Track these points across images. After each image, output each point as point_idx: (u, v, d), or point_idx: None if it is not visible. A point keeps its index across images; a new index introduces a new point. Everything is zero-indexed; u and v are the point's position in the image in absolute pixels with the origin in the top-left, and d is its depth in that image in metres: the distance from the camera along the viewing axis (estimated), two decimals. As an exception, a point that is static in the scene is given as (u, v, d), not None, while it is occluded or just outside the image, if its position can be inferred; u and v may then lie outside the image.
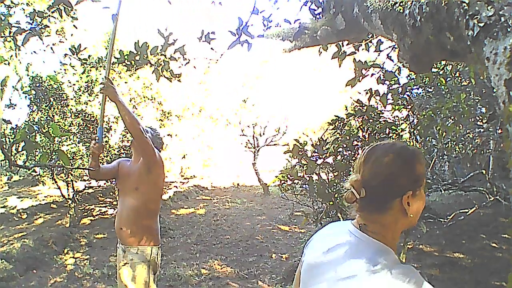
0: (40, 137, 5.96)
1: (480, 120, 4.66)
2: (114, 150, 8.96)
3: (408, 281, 0.99)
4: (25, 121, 8.66)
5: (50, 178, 9.62)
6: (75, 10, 3.25)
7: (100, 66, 7.62)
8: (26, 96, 8.61)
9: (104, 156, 8.70)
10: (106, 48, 9.47)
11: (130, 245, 2.99)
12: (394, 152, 1.12)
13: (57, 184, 8.80)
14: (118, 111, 2.81)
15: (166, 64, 3.24)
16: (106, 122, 9.18)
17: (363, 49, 3.50)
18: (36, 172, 9.88)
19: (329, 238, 1.20)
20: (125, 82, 9.90)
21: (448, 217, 5.27)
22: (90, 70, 8.91)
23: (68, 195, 9.01)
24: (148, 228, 3.01)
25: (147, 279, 2.95)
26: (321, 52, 3.32)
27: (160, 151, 3.20)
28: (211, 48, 3.35)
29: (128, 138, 9.17)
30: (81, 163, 9.02)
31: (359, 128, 3.79)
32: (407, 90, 4.17)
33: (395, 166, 1.10)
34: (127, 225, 2.99)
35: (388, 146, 1.15)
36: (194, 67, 3.60)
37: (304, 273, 1.23)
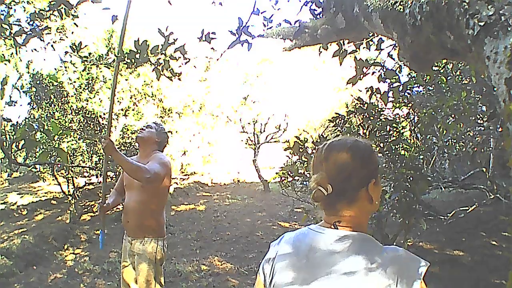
0: (40, 135, 5.97)
1: (480, 119, 4.67)
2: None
3: (400, 281, 1.03)
4: (25, 118, 8.67)
5: (50, 175, 9.64)
6: (76, 8, 3.25)
7: (101, 64, 7.60)
8: (26, 94, 8.61)
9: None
10: (106, 46, 9.46)
11: (136, 237, 3.08)
12: (350, 147, 1.20)
13: (57, 180, 8.82)
14: (119, 164, 3.01)
15: (166, 63, 3.24)
16: (107, 119, 9.15)
17: (364, 47, 3.49)
18: (36, 168, 9.89)
19: (303, 253, 1.19)
20: (126, 80, 9.90)
21: (448, 214, 5.29)
22: (91, 68, 8.90)
23: (68, 191, 9.03)
24: (153, 221, 3.12)
25: (150, 277, 3.01)
26: (321, 52, 3.32)
27: (165, 146, 3.34)
28: (212, 48, 3.35)
29: (128, 134, 9.17)
30: (81, 160, 9.03)
31: (359, 126, 3.79)
32: (408, 88, 4.17)
33: (355, 160, 1.17)
34: (133, 218, 3.08)
35: (343, 142, 1.22)
36: (195, 66, 3.60)
37: None
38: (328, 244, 1.15)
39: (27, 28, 3.07)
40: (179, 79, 3.39)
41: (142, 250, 3.04)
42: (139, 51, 3.00)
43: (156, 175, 2.97)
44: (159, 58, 3.19)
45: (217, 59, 3.43)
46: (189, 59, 3.35)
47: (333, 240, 1.15)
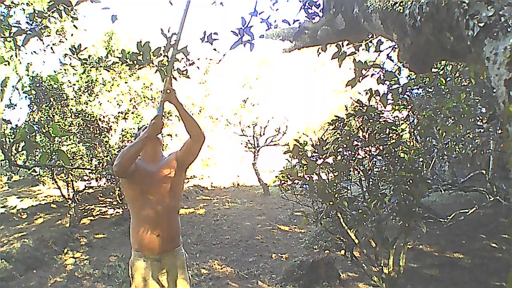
0: (40, 137, 5.95)
1: (480, 120, 4.67)
2: (114, 150, 8.95)
3: None
4: (25, 121, 8.68)
5: (50, 178, 9.64)
6: (75, 10, 3.25)
7: (100, 66, 7.60)
8: (26, 96, 8.62)
9: (104, 156, 8.70)
10: (106, 48, 9.47)
11: (168, 250, 2.77)
12: None
13: (57, 184, 8.82)
14: (179, 114, 2.83)
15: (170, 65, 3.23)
16: (106, 122, 9.17)
17: (363, 49, 3.49)
18: (36, 172, 9.89)
19: None
20: (125, 82, 9.90)
21: (448, 217, 5.28)
22: (90, 70, 8.91)
23: (68, 195, 9.01)
24: (179, 227, 2.91)
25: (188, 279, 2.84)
26: (320, 53, 3.32)
27: None
28: (214, 49, 3.33)
29: (128, 138, 9.15)
30: (81, 163, 9.03)
31: (359, 128, 3.78)
32: (407, 90, 4.17)
33: None
34: (166, 230, 2.76)
35: None
36: (198, 67, 3.58)
37: None
38: None
39: (26, 28, 3.06)
40: (188, 77, 3.34)
41: (179, 262, 2.79)
42: (141, 53, 2.98)
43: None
44: (162, 60, 3.17)
45: (219, 61, 3.40)
46: (193, 62, 3.33)
47: None
